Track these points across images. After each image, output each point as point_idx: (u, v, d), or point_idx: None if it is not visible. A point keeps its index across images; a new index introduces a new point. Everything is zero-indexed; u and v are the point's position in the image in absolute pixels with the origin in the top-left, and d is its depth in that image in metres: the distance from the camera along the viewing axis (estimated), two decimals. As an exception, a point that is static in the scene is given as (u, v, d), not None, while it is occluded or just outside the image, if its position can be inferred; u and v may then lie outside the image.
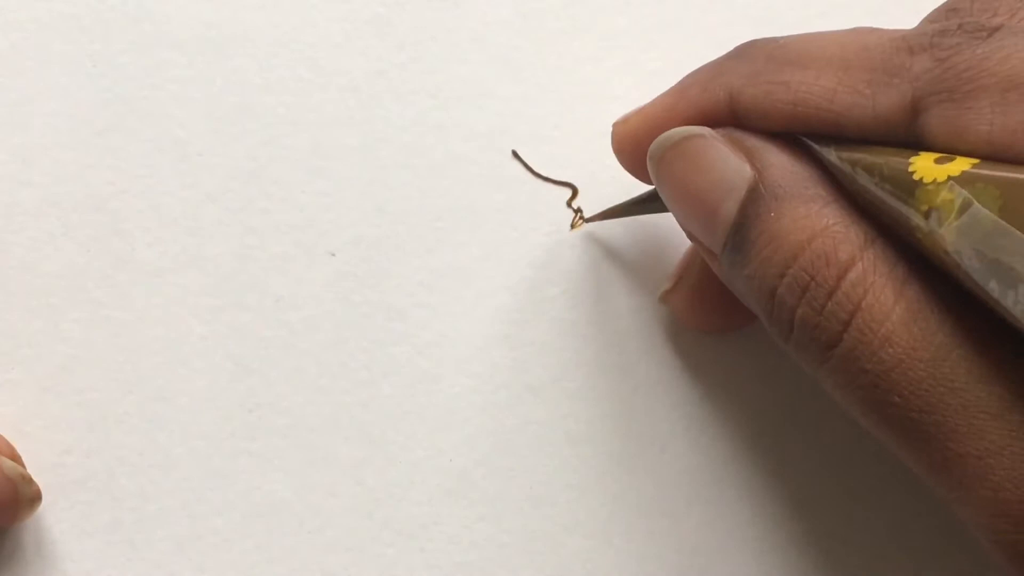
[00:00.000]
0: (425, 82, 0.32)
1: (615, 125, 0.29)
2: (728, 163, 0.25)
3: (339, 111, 0.32)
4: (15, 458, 0.29)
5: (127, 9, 0.32)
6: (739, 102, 0.25)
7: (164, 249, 0.31)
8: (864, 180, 0.23)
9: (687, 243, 0.30)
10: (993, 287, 0.20)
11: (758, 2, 0.33)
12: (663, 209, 0.28)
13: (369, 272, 0.31)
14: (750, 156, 0.25)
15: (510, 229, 0.32)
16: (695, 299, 0.30)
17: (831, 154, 0.24)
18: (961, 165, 0.21)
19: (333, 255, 0.31)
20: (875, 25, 0.25)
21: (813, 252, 0.23)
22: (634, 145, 0.28)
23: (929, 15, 0.25)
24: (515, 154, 0.32)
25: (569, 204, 0.32)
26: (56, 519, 0.30)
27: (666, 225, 0.31)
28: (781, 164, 0.24)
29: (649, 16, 0.33)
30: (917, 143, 0.23)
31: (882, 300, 0.22)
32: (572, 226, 0.31)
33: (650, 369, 0.31)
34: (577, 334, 0.31)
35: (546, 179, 0.32)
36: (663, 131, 0.26)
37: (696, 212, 0.26)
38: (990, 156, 0.22)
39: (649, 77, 0.32)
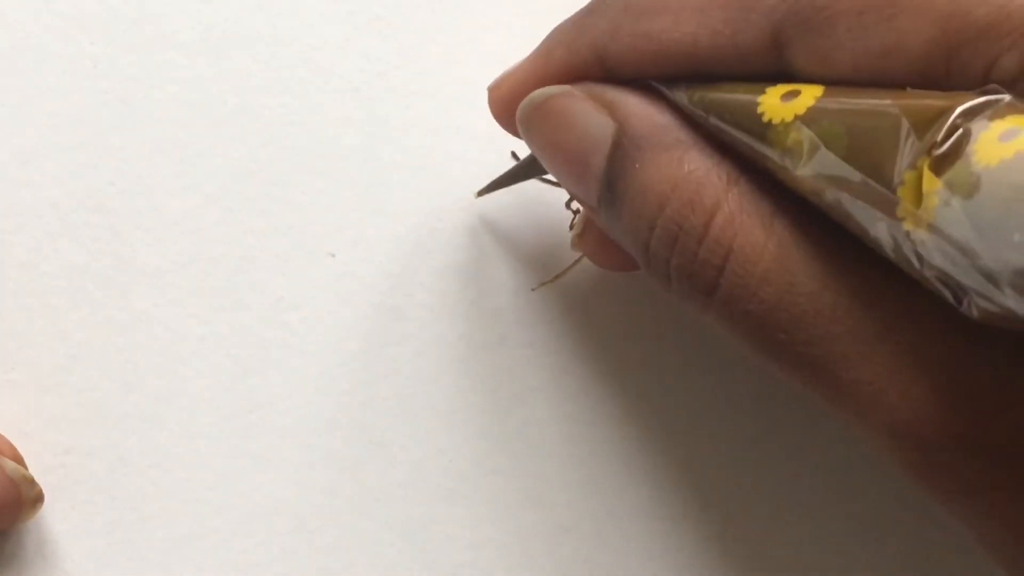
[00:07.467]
0: (425, 83, 0.32)
1: (490, 90, 0.28)
2: (591, 119, 0.25)
3: (339, 112, 0.32)
4: (17, 459, 0.29)
5: (127, 10, 0.32)
6: (606, 59, 0.25)
7: (164, 249, 0.31)
8: (718, 121, 0.23)
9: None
10: (855, 225, 0.20)
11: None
12: (544, 171, 0.27)
13: (369, 272, 0.31)
14: (611, 109, 0.24)
15: (510, 229, 0.32)
16: (604, 242, 0.29)
17: (683, 97, 0.23)
18: (806, 100, 0.21)
19: (333, 255, 0.31)
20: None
21: (678, 200, 0.23)
22: (509, 110, 0.27)
23: None
24: (514, 155, 0.32)
25: (568, 205, 0.32)
26: (57, 519, 0.30)
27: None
28: (641, 113, 0.24)
29: (649, 17, 0.33)
30: (788, 76, 0.22)
31: (753, 240, 0.22)
32: (571, 227, 0.31)
33: (650, 369, 0.31)
34: (577, 334, 0.31)
35: (545, 180, 0.32)
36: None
37: (567, 171, 0.26)
38: (858, 83, 0.21)
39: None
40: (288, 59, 0.32)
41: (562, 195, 0.32)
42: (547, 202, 0.32)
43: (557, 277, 0.31)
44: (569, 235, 0.32)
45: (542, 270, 0.32)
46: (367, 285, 0.31)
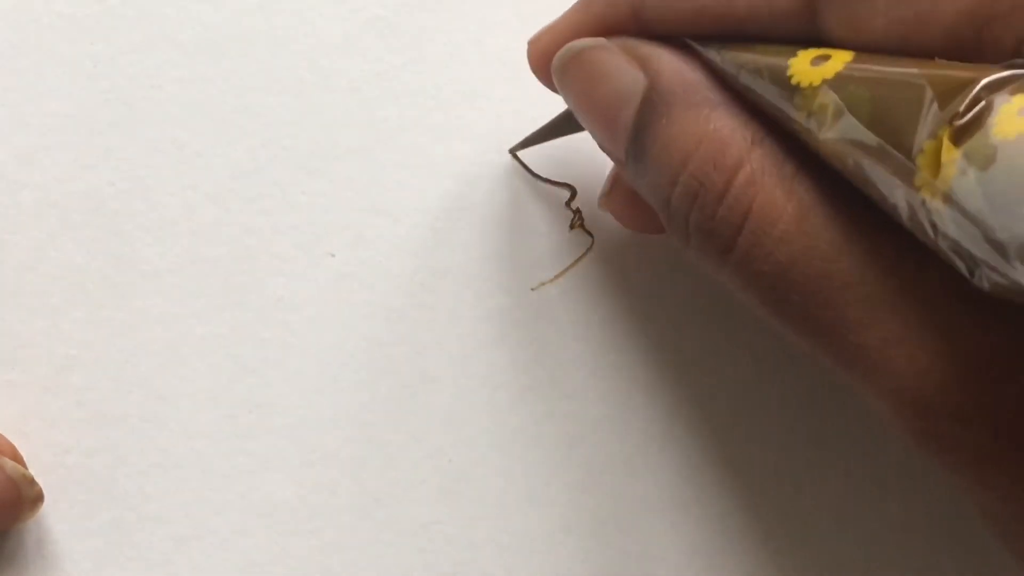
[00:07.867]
0: (425, 83, 0.32)
1: (530, 43, 0.28)
2: (623, 72, 0.25)
3: (339, 111, 0.32)
4: (17, 458, 0.29)
5: (127, 10, 0.32)
6: (643, 15, 0.25)
7: (164, 249, 0.31)
8: (748, 82, 0.23)
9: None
10: (874, 191, 0.20)
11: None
12: (581, 128, 0.28)
13: (369, 272, 0.31)
14: (643, 63, 0.25)
15: (510, 229, 0.32)
16: (631, 202, 0.29)
17: (716, 56, 0.24)
18: (835, 65, 0.21)
19: (333, 255, 0.31)
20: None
21: (701, 157, 0.23)
22: (548, 63, 0.28)
23: None
24: (514, 155, 0.32)
25: (568, 205, 0.32)
26: (57, 519, 0.30)
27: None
28: (672, 70, 0.24)
29: (648, 17, 0.33)
30: (820, 41, 0.22)
31: (773, 200, 0.22)
32: (572, 226, 0.32)
33: (650, 369, 0.31)
34: (577, 334, 0.31)
35: (545, 180, 0.32)
36: None
37: (598, 122, 0.26)
38: (886, 51, 0.21)
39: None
40: (288, 59, 0.32)
41: (561, 194, 0.32)
42: (547, 201, 0.32)
43: (557, 277, 0.31)
44: (570, 233, 0.32)
45: (542, 270, 0.32)
46: (367, 285, 0.31)
